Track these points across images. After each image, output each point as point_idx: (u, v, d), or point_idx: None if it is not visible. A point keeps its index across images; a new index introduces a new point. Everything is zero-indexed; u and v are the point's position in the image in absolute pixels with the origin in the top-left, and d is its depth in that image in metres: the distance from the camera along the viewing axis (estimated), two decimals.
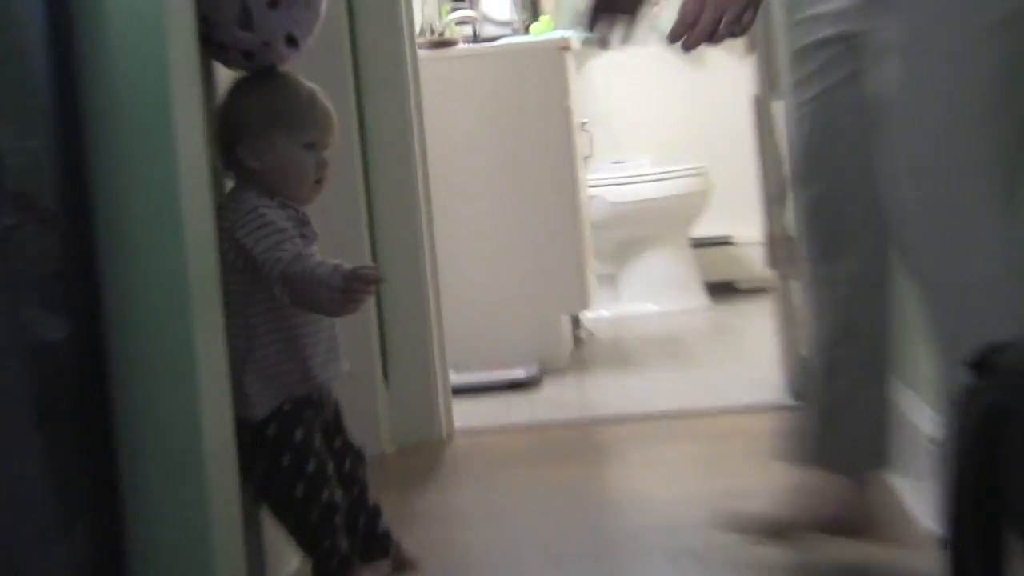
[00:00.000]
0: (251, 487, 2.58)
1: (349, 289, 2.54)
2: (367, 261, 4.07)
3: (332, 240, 4.02)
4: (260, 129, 2.69)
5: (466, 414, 4.51)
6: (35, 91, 2.09)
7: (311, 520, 2.60)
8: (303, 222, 2.74)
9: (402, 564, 2.87)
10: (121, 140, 2.12)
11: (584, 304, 5.54)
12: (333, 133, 2.78)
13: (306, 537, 2.65)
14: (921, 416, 3.02)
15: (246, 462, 2.51)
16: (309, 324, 2.66)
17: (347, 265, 2.56)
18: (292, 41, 2.77)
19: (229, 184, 2.72)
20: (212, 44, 2.65)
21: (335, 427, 2.80)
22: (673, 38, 2.36)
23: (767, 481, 3.56)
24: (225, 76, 2.93)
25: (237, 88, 2.75)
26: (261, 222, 2.58)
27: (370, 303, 4.12)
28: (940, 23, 2.22)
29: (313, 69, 3.91)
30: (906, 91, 2.27)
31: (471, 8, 6.29)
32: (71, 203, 2.09)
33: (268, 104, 2.72)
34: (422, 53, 4.64)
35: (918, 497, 3.04)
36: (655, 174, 6.59)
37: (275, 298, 2.57)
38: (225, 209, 2.61)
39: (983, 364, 1.57)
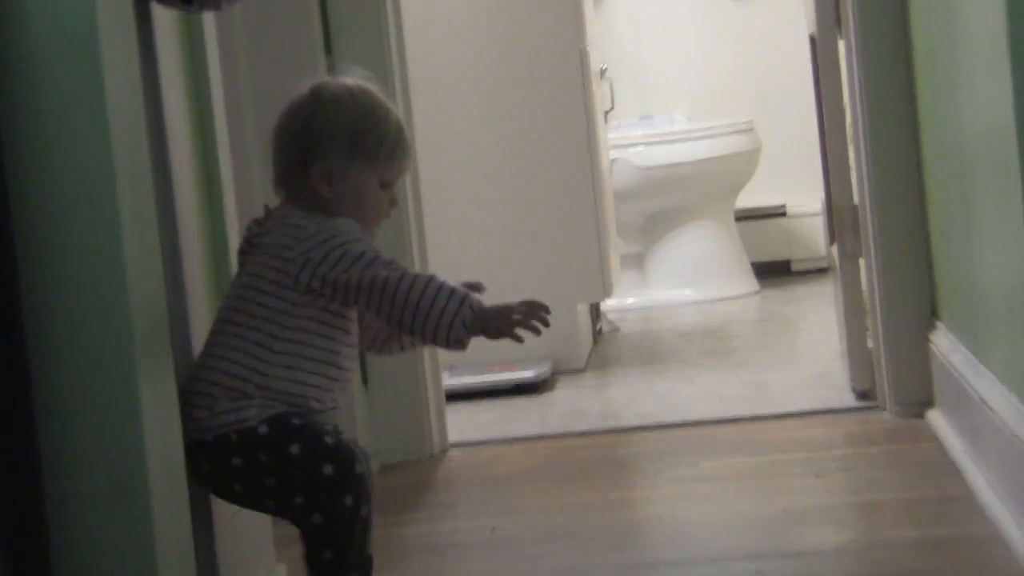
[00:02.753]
0: (272, 503, 2.70)
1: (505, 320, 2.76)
2: None
3: None
4: (343, 153, 2.77)
5: (462, 425, 4.55)
6: None
7: (345, 505, 2.64)
8: None
9: None
10: (38, 88, 2.14)
11: (605, 291, 5.57)
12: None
13: (334, 525, 2.67)
14: (1021, 420, 3.05)
15: (240, 481, 2.63)
16: (336, 379, 2.74)
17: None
18: None
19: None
20: None
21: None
22: None
23: (828, 501, 3.61)
24: (166, 19, 2.96)
25: (321, 100, 2.84)
26: (357, 235, 2.67)
27: None
28: None
29: (267, 10, 3.97)
30: None
31: None
32: None
33: (356, 127, 2.80)
34: None
35: (1018, 520, 3.07)
36: (692, 131, 6.62)
37: (316, 331, 2.67)
38: (284, 226, 2.70)
39: None
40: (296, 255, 2.63)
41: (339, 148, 2.78)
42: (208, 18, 3.32)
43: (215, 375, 2.62)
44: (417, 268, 4.31)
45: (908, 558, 3.13)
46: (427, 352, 4.35)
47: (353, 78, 2.93)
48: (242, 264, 2.82)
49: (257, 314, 2.65)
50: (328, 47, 4.20)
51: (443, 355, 4.51)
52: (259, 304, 2.66)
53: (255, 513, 3.31)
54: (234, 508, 2.91)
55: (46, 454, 2.14)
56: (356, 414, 4.15)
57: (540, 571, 3.21)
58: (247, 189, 3.70)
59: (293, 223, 2.70)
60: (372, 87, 2.91)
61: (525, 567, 3.19)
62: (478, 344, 4.95)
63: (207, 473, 2.62)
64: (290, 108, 2.87)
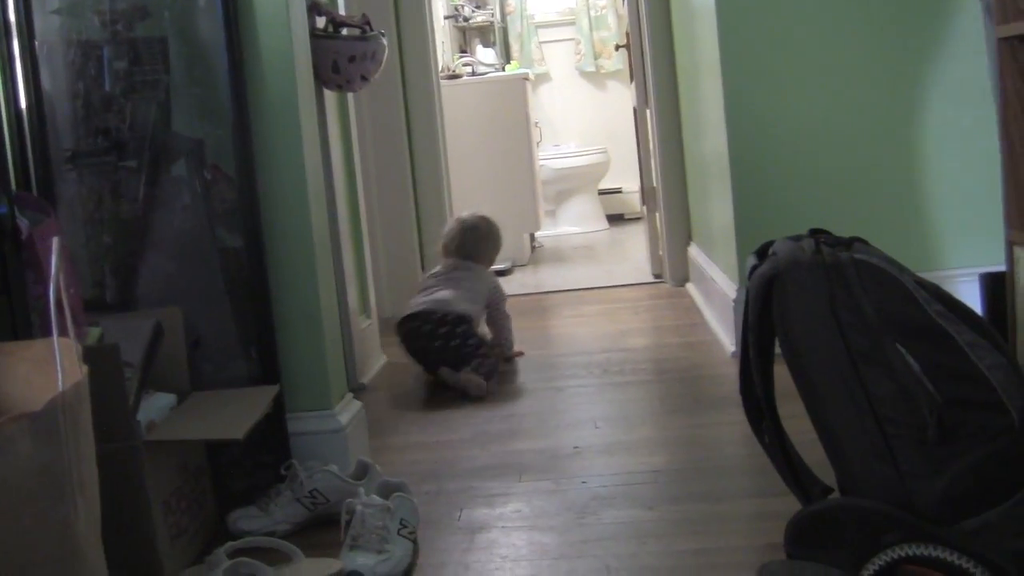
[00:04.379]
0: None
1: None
2: (411, 210, 4.08)
3: (390, 194, 4.03)
4: (490, 245, 3.27)
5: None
6: (221, 102, 2.08)
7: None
8: None
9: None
10: (270, 130, 2.12)
11: (537, 226, 5.56)
12: None
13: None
14: (728, 287, 3.07)
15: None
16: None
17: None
18: (364, 79, 2.78)
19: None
20: (317, 78, 2.66)
21: None
22: None
23: (640, 325, 3.63)
24: (329, 96, 2.93)
25: (486, 223, 3.30)
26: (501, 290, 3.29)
27: (413, 229, 4.13)
28: None
29: (378, 92, 3.93)
30: None
31: (471, 56, 6.26)
32: (243, 169, 2.10)
33: (492, 235, 3.30)
34: (442, 82, 4.63)
35: (726, 332, 3.09)
36: (578, 152, 6.57)
37: None
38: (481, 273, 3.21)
39: (762, 253, 1.59)
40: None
41: (489, 242, 3.26)
42: (351, 96, 3.30)
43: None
44: (447, 215, 4.31)
45: (676, 350, 3.15)
46: None
47: (483, 213, 3.37)
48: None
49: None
50: (408, 120, 4.17)
51: None
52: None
53: (374, 325, 3.31)
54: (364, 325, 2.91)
55: (274, 299, 2.14)
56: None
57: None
58: (366, 178, 3.70)
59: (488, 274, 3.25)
60: (491, 217, 3.34)
61: None
62: None
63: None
64: (468, 224, 3.27)
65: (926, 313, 1.39)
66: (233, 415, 1.88)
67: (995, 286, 1.70)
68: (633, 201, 6.75)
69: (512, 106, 5.41)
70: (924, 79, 2.82)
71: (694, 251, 3.97)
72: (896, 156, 2.87)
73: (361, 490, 1.92)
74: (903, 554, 1.36)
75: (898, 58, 2.83)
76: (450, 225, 3.37)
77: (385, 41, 2.81)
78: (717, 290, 3.25)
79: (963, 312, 1.41)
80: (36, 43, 2.06)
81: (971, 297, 1.68)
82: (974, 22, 2.71)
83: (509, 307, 3.35)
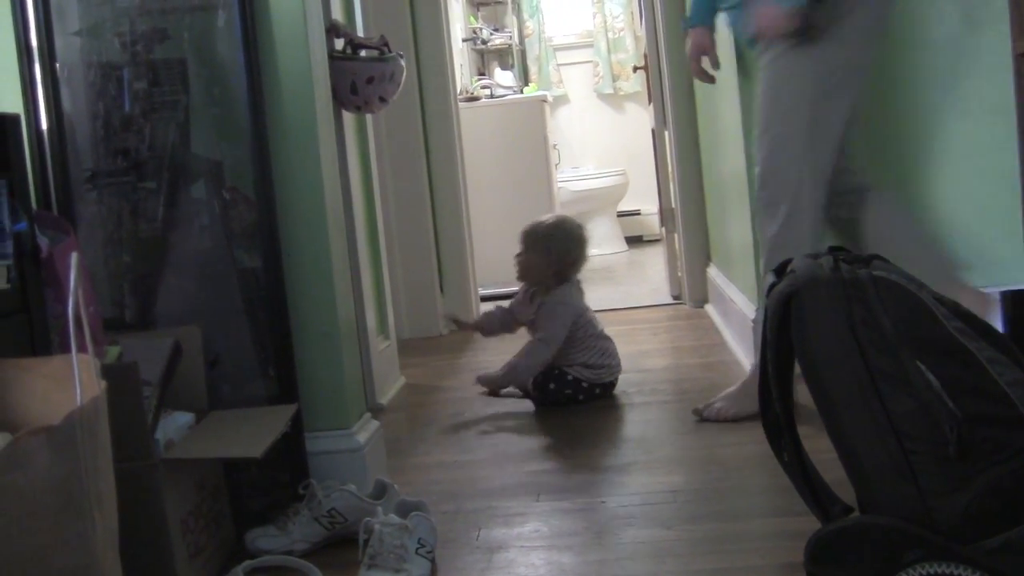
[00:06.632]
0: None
1: None
2: (429, 232, 4.10)
3: (408, 216, 4.04)
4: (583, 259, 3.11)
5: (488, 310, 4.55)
6: (240, 123, 2.10)
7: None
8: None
9: None
10: (289, 152, 2.13)
11: None
12: None
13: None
14: (746, 308, 3.06)
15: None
16: None
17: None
18: (383, 100, 2.79)
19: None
20: (336, 100, 2.68)
21: None
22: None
23: (659, 346, 3.62)
24: (348, 117, 2.95)
25: (579, 228, 3.11)
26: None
27: (432, 250, 4.14)
28: None
29: (397, 114, 3.95)
30: None
31: (489, 78, 6.29)
32: (262, 189, 2.11)
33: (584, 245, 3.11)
34: (461, 105, 4.65)
35: (745, 353, 3.08)
36: (596, 174, 6.59)
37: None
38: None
39: (780, 271, 1.59)
40: None
41: (583, 255, 3.11)
42: (369, 118, 3.32)
43: None
44: (467, 239, 4.32)
45: (695, 371, 3.13)
46: (471, 276, 4.34)
47: (561, 214, 3.23)
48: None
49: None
50: (426, 141, 4.19)
51: (479, 277, 4.51)
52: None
53: (393, 346, 3.31)
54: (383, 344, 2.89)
55: (292, 319, 2.14)
56: (437, 305, 4.16)
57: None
58: (385, 200, 3.71)
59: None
60: (578, 223, 3.12)
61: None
62: (494, 274, 4.90)
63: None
64: (561, 225, 3.08)
65: (945, 329, 1.38)
66: (251, 434, 1.88)
67: (1017, 304, 1.69)
68: (652, 223, 6.74)
69: (530, 128, 5.43)
70: (941, 96, 2.81)
71: (713, 272, 3.96)
72: (913, 173, 2.86)
73: (379, 509, 1.92)
74: (925, 573, 1.35)
75: (914, 75, 2.82)
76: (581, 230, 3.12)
77: (403, 62, 2.83)
78: (736, 311, 3.24)
79: (982, 328, 1.41)
80: (57, 65, 2.08)
81: (990, 315, 1.67)
82: (992, 39, 2.70)
83: (520, 332, 3.35)
